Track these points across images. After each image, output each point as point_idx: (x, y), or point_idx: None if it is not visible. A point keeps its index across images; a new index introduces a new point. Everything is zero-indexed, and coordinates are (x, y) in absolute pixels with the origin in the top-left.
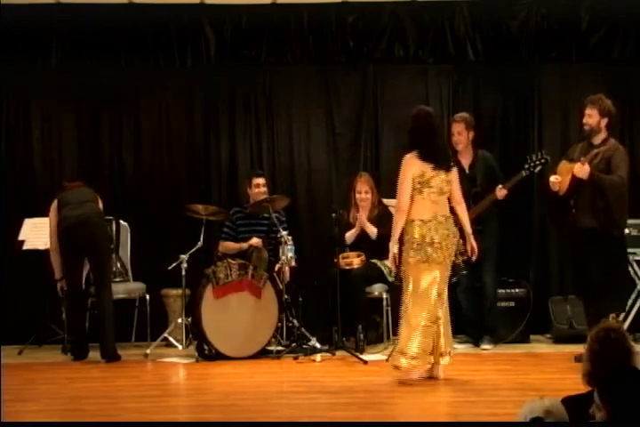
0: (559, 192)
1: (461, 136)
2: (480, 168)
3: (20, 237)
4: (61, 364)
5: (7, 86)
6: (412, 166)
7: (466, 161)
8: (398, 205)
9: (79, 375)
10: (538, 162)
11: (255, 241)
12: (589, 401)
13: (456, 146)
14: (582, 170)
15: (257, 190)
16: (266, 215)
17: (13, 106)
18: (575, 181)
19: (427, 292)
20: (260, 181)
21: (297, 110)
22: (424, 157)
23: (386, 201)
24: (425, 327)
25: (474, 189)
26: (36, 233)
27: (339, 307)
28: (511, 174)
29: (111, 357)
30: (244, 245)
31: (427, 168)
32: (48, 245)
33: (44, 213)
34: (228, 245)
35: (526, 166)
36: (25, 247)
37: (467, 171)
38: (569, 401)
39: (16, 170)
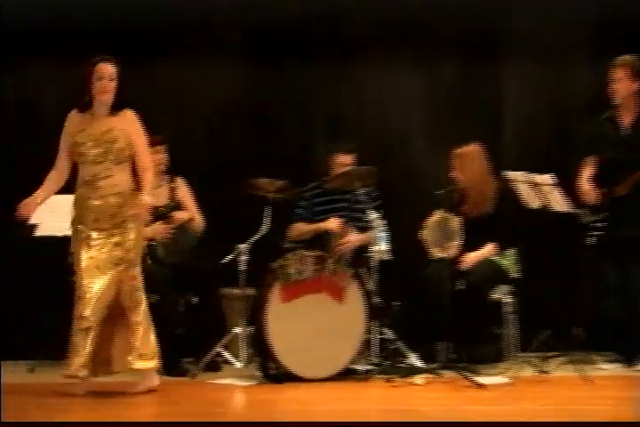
0: None
1: (620, 84)
2: None
3: (32, 221)
4: None
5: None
6: None
7: (627, 119)
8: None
9: (103, 400)
10: None
11: (334, 225)
12: None
13: (612, 97)
14: None
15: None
16: (354, 192)
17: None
18: None
19: None
20: (347, 159)
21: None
22: None
23: (512, 174)
24: None
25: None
26: (54, 215)
27: (449, 314)
28: None
29: None
30: (321, 226)
31: None
32: (69, 231)
33: (63, 190)
34: (300, 228)
35: None
36: (38, 233)
37: (625, 131)
38: None
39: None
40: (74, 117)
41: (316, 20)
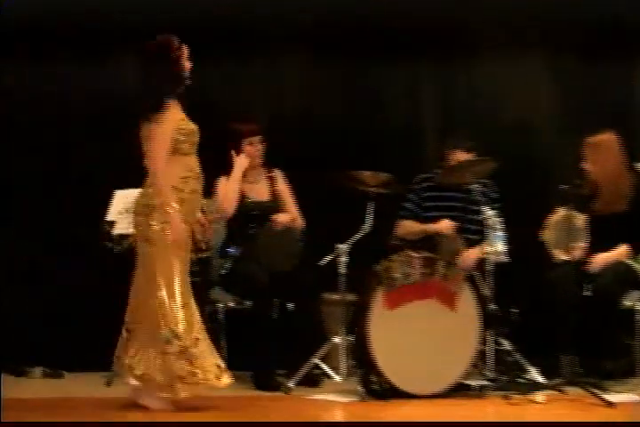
0: None
1: None
2: None
3: (109, 217)
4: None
5: None
6: None
7: None
8: None
9: (186, 416)
10: None
11: (444, 226)
12: None
13: None
14: None
15: None
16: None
17: None
18: None
19: None
20: (465, 157)
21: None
22: None
23: None
24: None
25: None
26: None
27: (575, 322)
28: None
29: None
30: (432, 228)
31: None
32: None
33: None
34: (408, 227)
35: None
36: (116, 232)
37: None
38: None
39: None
40: (173, 104)
41: (432, 14)
